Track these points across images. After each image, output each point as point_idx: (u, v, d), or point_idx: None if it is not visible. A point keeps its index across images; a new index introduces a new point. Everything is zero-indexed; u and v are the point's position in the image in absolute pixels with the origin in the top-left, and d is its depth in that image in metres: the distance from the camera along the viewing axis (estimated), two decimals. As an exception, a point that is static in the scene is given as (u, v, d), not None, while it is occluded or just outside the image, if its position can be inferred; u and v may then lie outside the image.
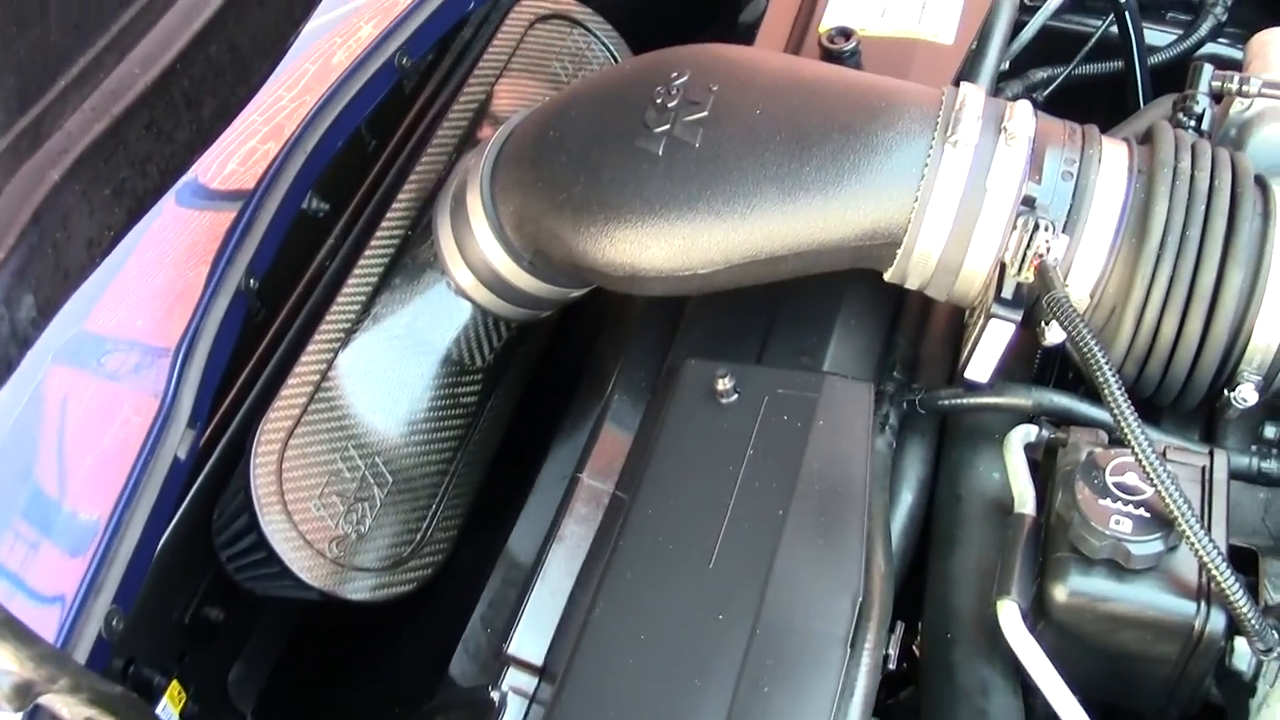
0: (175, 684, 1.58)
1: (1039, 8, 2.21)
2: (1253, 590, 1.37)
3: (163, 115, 1.38)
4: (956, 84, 1.66)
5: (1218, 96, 1.65)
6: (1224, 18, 2.28)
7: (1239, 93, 1.61)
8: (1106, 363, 1.27)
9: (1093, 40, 2.25)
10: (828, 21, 1.83)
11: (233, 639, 1.77)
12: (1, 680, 1.10)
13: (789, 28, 1.90)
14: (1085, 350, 1.29)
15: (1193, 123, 1.64)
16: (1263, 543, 1.51)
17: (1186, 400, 1.48)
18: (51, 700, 1.16)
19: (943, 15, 1.82)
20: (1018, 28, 2.19)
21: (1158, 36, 2.34)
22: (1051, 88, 2.23)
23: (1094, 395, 1.49)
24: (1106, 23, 2.23)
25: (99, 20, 1.30)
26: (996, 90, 2.13)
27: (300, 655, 1.83)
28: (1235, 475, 1.47)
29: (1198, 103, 1.65)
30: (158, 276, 1.71)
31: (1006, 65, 2.14)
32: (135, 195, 1.38)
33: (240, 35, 1.48)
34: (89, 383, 1.60)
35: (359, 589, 1.58)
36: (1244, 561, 1.43)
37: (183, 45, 1.38)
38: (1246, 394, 1.45)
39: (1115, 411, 1.25)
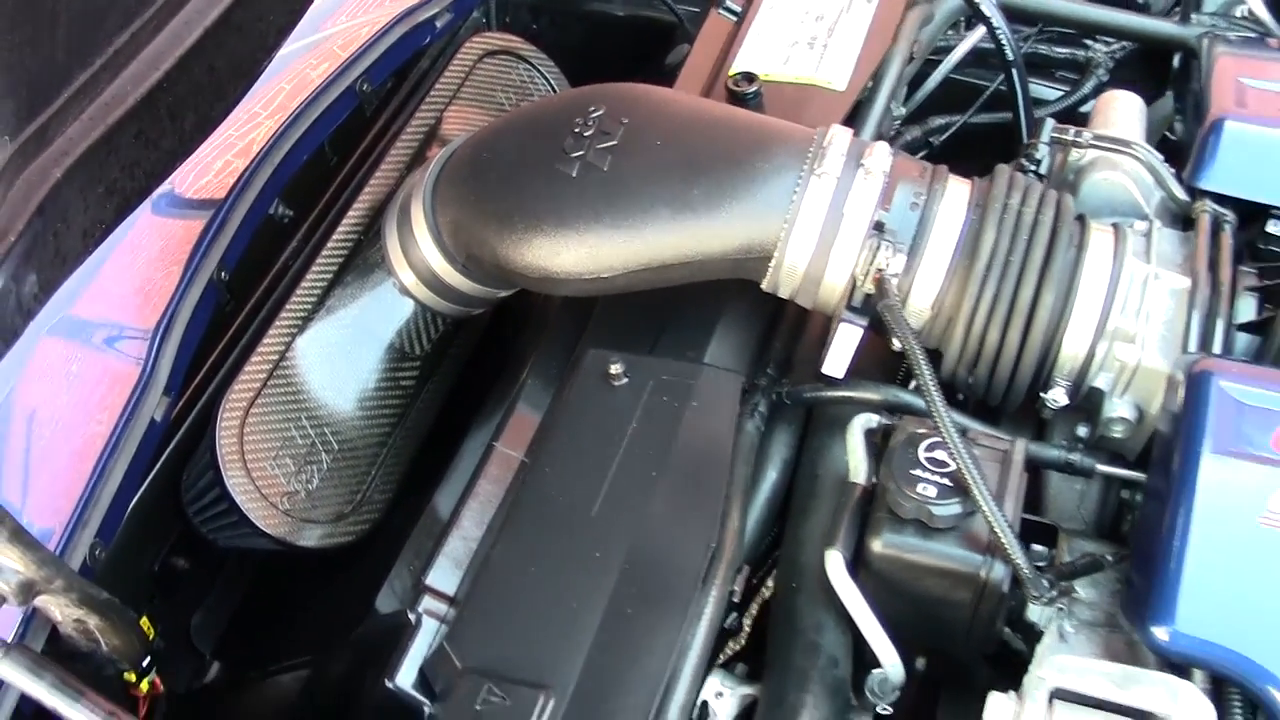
0: (145, 620, 1.82)
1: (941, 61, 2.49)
2: (1053, 560, 1.63)
3: (150, 126, 1.58)
4: (848, 124, 1.93)
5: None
6: (1105, 78, 2.53)
7: (1073, 144, 1.88)
8: (920, 353, 1.54)
9: (987, 94, 2.50)
10: (737, 67, 2.08)
11: (196, 589, 2.00)
12: (10, 579, 1.35)
13: (707, 71, 2.16)
14: (904, 343, 1.56)
15: (1033, 167, 1.90)
16: (1077, 526, 1.76)
17: (1011, 400, 1.73)
18: (46, 601, 1.41)
19: (838, 65, 2.08)
20: (922, 78, 2.46)
21: (1050, 92, 2.61)
22: (948, 134, 2.47)
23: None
24: (1000, 79, 2.48)
25: (97, 44, 1.50)
26: (898, 133, 2.39)
27: (253, 606, 2.07)
28: (1050, 465, 1.72)
29: (1038, 150, 1.91)
30: (136, 275, 1.95)
31: (902, 111, 2.40)
32: (124, 194, 1.59)
33: (219, 60, 1.69)
34: (80, 353, 1.84)
35: (306, 538, 1.82)
36: (1048, 536, 1.70)
37: (168, 67, 1.58)
38: (1058, 396, 1.69)
39: (924, 393, 1.52)
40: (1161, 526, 1.45)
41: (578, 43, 2.71)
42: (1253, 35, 2.32)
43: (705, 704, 1.59)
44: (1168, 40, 2.34)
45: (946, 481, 1.51)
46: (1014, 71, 2.38)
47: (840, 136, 1.72)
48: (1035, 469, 1.76)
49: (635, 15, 2.76)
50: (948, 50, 2.49)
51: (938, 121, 2.47)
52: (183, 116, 1.65)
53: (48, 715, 1.44)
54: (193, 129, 1.70)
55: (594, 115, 1.77)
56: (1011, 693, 1.38)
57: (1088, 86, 2.52)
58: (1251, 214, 1.86)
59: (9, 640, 1.41)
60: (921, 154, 2.42)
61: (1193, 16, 2.45)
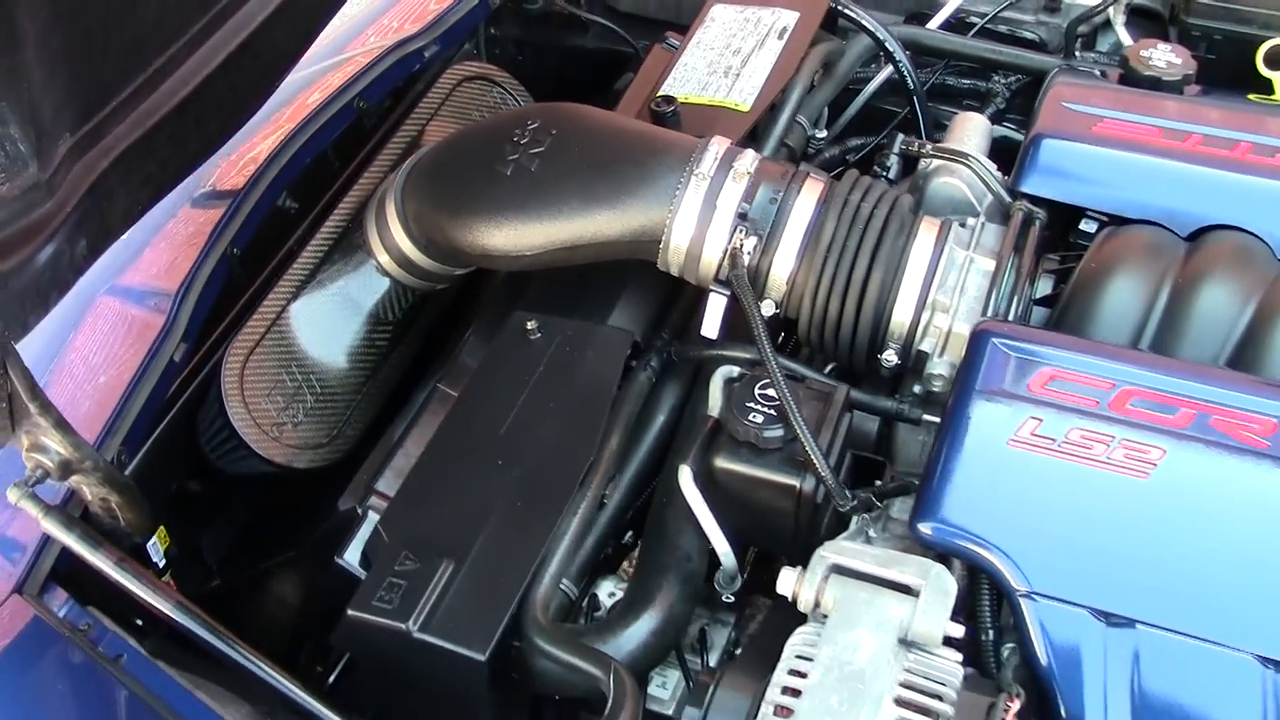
0: (163, 528, 2.18)
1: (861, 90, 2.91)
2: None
3: (180, 130, 1.85)
4: (750, 137, 2.35)
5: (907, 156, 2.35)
6: (1003, 105, 2.92)
7: (917, 154, 2.29)
8: (757, 313, 1.95)
9: (898, 119, 2.90)
10: (664, 91, 2.52)
11: (206, 510, 2.40)
12: (53, 458, 1.76)
13: (644, 95, 2.59)
14: (743, 302, 1.97)
15: (884, 173, 2.33)
16: (919, 470, 2.15)
17: (856, 360, 2.13)
18: (79, 480, 1.82)
19: (746, 89, 2.50)
20: (844, 105, 2.88)
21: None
22: (862, 153, 2.89)
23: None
24: (909, 108, 2.89)
25: (139, 64, 1.76)
26: (818, 151, 2.81)
27: (252, 527, 2.49)
28: (883, 413, 2.12)
29: (889, 158, 2.34)
30: (171, 254, 2.34)
31: (824, 133, 2.82)
32: (157, 183, 1.88)
33: (238, 79, 1.99)
34: (123, 307, 2.27)
35: (289, 461, 2.24)
36: (876, 469, 2.11)
37: (196, 84, 1.85)
38: (890, 357, 2.09)
39: (758, 344, 1.92)
40: (935, 447, 1.85)
41: (554, 70, 3.15)
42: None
43: (595, 596, 2.02)
44: (1045, 73, 2.74)
45: (773, 412, 1.91)
46: (915, 100, 2.80)
47: (716, 146, 2.13)
48: (888, 421, 2.17)
49: (601, 47, 3.18)
50: (867, 81, 2.91)
51: (854, 142, 2.89)
52: (208, 124, 1.93)
53: (76, 569, 1.87)
54: (216, 134, 2.01)
55: (530, 128, 2.19)
56: (800, 568, 1.78)
57: (987, 113, 2.90)
58: (1073, 214, 2.27)
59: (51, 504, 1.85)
60: (838, 170, 2.84)
61: (1078, 54, 2.86)
